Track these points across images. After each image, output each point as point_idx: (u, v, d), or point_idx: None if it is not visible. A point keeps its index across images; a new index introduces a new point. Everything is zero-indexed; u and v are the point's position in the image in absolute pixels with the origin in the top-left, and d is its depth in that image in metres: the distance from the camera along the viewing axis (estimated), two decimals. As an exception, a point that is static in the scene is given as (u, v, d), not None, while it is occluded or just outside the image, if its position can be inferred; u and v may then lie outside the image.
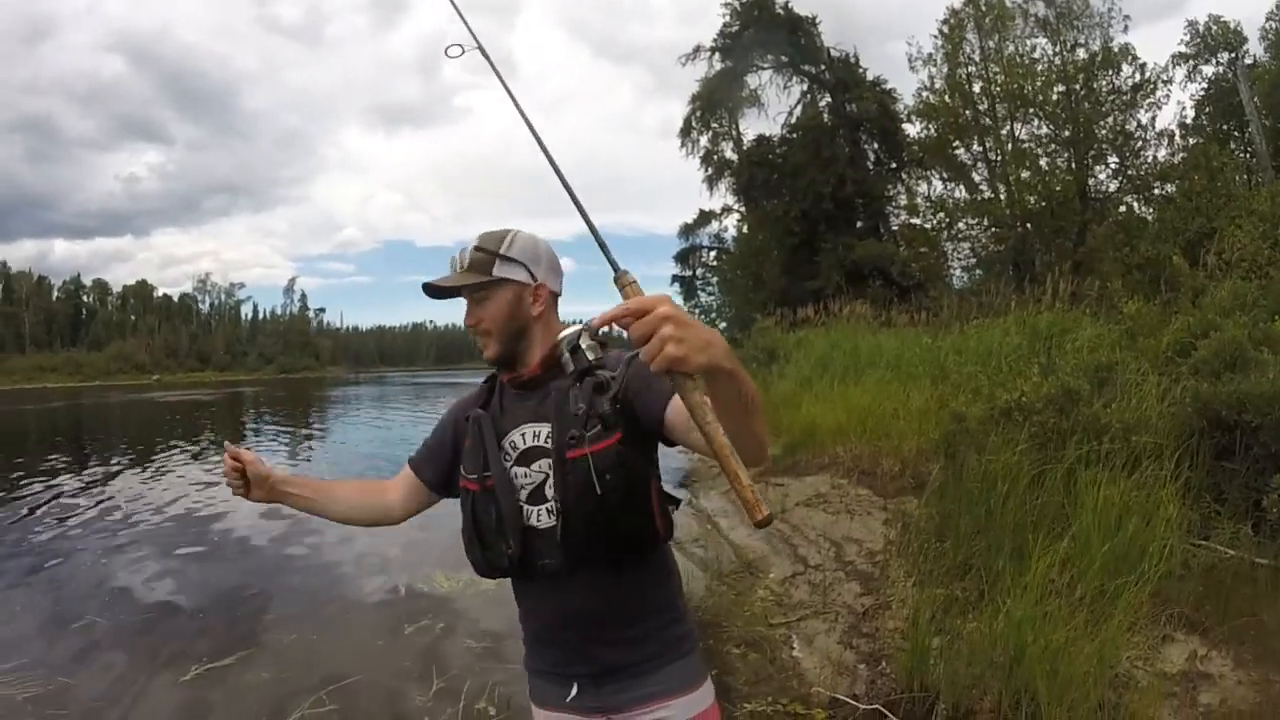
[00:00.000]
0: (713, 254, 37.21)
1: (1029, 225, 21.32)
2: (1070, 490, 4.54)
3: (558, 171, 1.49)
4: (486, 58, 1.74)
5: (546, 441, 1.69)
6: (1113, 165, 20.76)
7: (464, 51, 1.71)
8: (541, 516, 1.69)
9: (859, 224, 27.79)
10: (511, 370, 1.78)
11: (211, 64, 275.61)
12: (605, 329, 1.29)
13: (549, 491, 1.67)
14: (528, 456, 1.72)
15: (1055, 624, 3.28)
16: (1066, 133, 20.97)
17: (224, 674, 4.79)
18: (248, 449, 1.88)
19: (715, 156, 31.56)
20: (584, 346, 1.36)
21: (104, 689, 4.63)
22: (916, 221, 26.57)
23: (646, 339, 1.09)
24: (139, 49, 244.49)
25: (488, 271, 1.72)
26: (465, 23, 1.79)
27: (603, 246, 1.35)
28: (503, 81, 1.68)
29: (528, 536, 1.69)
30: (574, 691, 1.76)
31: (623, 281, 1.22)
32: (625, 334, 1.16)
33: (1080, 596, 3.52)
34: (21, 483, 12.62)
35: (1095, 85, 20.67)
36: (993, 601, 3.74)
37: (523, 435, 1.74)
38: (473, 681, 4.43)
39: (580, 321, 1.39)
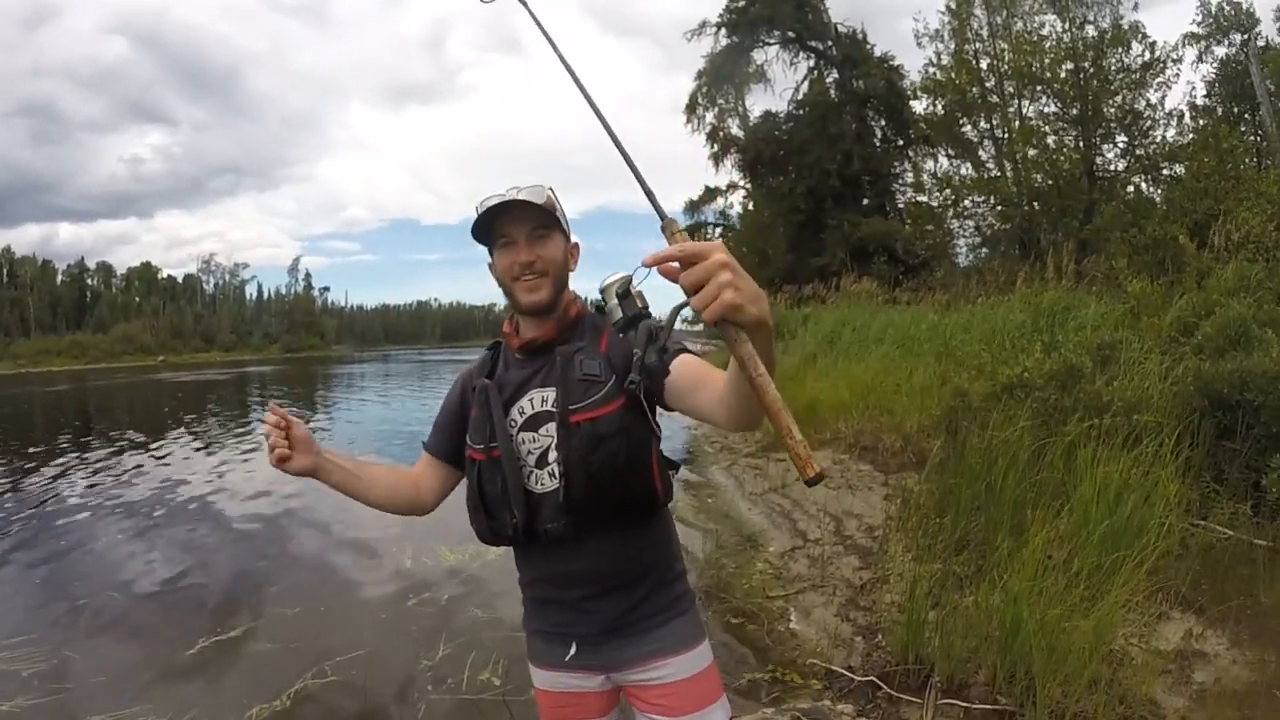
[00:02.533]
0: (718, 230, 37.15)
1: (1035, 204, 21.17)
2: (1070, 466, 4.55)
3: (603, 121, 1.44)
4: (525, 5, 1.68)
5: (553, 406, 1.69)
6: (1121, 145, 20.57)
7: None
8: (544, 480, 1.70)
9: (865, 201, 27.71)
10: (539, 324, 1.76)
11: (216, 45, 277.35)
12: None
13: (552, 455, 1.68)
14: (534, 421, 1.72)
15: (1051, 599, 3.30)
16: (1074, 111, 20.75)
17: (229, 646, 4.84)
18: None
19: (721, 133, 31.51)
20: (633, 292, 1.35)
21: (108, 663, 4.67)
22: (923, 199, 26.41)
23: (699, 286, 1.06)
24: (142, 31, 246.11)
25: (554, 211, 1.72)
26: None
27: (649, 194, 1.30)
28: (542, 29, 1.61)
29: (531, 501, 1.70)
30: (573, 650, 1.77)
31: (671, 229, 1.17)
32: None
33: (1077, 572, 3.53)
34: (29, 463, 12.69)
35: (1104, 63, 20.41)
36: (990, 576, 3.76)
37: (530, 401, 1.74)
38: (477, 652, 4.47)
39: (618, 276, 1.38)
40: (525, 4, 1.65)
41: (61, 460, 12.93)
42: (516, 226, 1.70)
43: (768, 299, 1.12)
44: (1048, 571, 3.50)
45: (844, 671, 3.76)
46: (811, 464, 1.00)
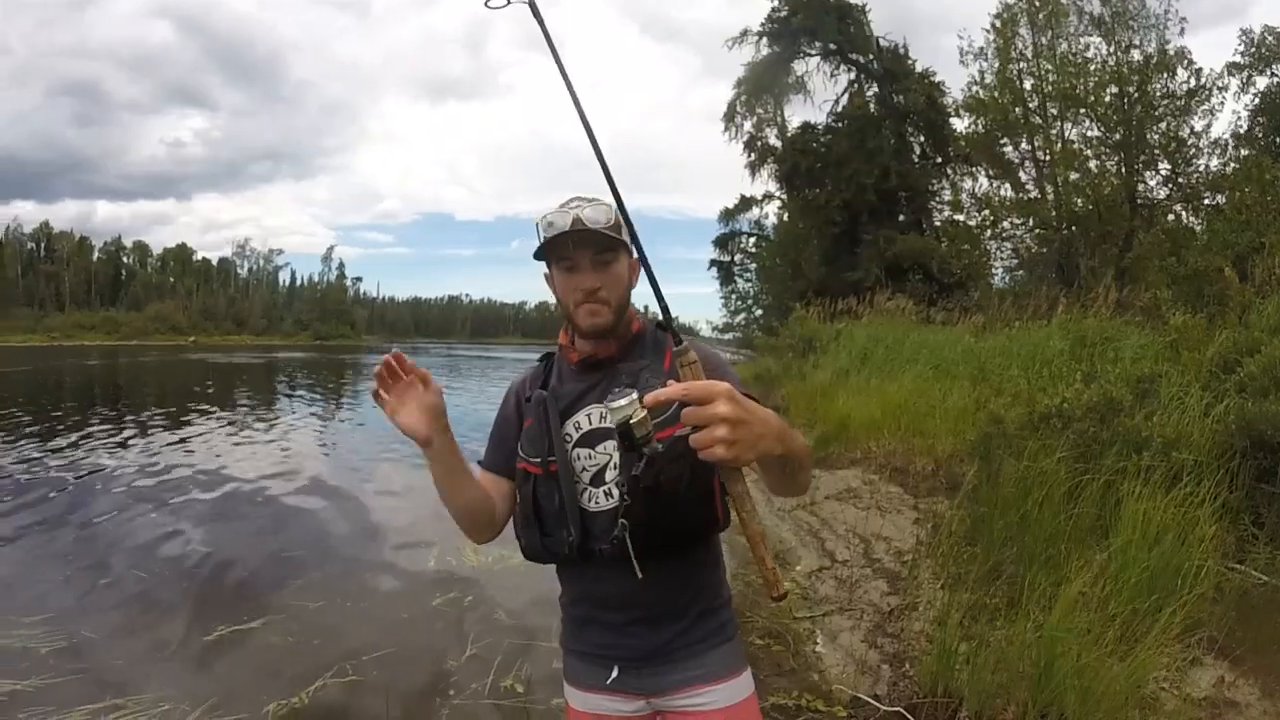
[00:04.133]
0: (752, 240, 37.14)
1: (1075, 228, 20.95)
2: (1106, 503, 4.50)
3: (595, 147, 1.43)
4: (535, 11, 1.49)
5: (603, 421, 1.65)
6: (1164, 172, 20.35)
7: (509, 2, 1.50)
8: (599, 499, 1.64)
9: (901, 217, 27.59)
10: (602, 345, 1.72)
11: (259, 32, 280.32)
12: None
13: (609, 474, 1.63)
14: (591, 438, 1.67)
15: (1087, 640, 3.26)
16: (1117, 136, 20.56)
17: (249, 637, 4.85)
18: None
19: (759, 142, 31.48)
20: (633, 422, 1.31)
21: (126, 645, 4.72)
22: (960, 218, 26.22)
23: (698, 427, 1.11)
24: (187, 16, 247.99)
25: (619, 233, 1.66)
26: None
27: (661, 301, 1.42)
28: (548, 39, 1.49)
29: (585, 520, 1.63)
30: (615, 674, 1.73)
31: (684, 360, 1.23)
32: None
33: (1113, 614, 3.49)
34: (58, 438, 12.82)
35: (1149, 88, 20.22)
36: (1023, 610, 3.72)
37: (588, 416, 1.69)
38: (499, 657, 4.46)
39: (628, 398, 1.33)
40: (534, 9, 1.48)
41: (91, 435, 13.06)
42: (580, 252, 1.65)
43: (775, 427, 1.22)
44: (1083, 610, 3.45)
45: (870, 700, 3.72)
46: (779, 585, 1.25)
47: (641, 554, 1.60)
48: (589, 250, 1.65)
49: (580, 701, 1.82)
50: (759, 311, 34.88)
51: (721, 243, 37.52)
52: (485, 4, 1.51)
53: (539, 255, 1.71)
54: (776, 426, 1.20)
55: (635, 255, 1.70)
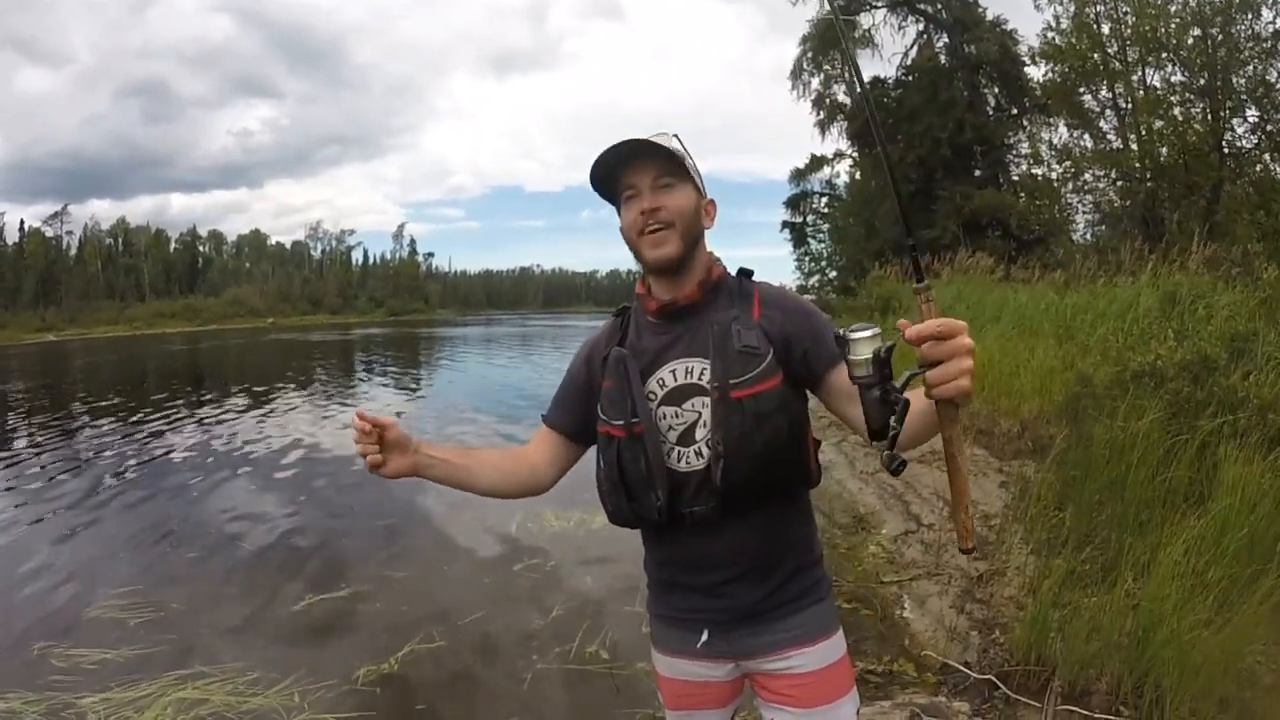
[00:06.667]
0: (824, 200, 36.54)
1: (1159, 180, 20.14)
2: (1202, 466, 4.35)
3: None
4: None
5: (701, 378, 1.58)
6: (1251, 119, 19.40)
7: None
8: (690, 459, 1.59)
9: (978, 172, 26.76)
10: (672, 285, 1.66)
11: (319, 18, 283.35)
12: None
13: (699, 433, 1.58)
14: (678, 395, 1.61)
15: (1184, 609, 3.16)
16: (1202, 81, 19.65)
17: (335, 606, 5.01)
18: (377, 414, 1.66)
19: (827, 100, 30.73)
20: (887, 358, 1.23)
21: (213, 617, 4.88)
22: (1039, 172, 25.39)
23: (940, 362, 1.09)
24: (245, 8, 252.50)
25: (683, 161, 1.61)
26: None
27: (909, 233, 1.38)
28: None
29: (674, 481, 1.58)
30: (705, 637, 1.68)
31: (926, 297, 1.18)
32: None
33: (1213, 582, 3.37)
34: (147, 419, 13.37)
35: (1233, 30, 19.27)
36: (1120, 577, 3.63)
37: (673, 372, 1.62)
38: (584, 622, 4.53)
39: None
40: None
41: (178, 414, 13.62)
42: (640, 175, 1.60)
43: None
44: (1179, 577, 3.34)
45: (961, 668, 3.68)
46: (970, 538, 1.17)
47: (734, 513, 1.57)
48: (649, 174, 1.61)
49: (667, 667, 1.80)
50: (833, 273, 34.34)
51: (793, 204, 36.89)
52: None
53: (604, 192, 1.69)
54: None
55: (707, 198, 1.69)
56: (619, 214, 1.69)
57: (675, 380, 1.62)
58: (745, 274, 1.72)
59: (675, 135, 1.64)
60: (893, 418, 1.22)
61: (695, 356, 1.60)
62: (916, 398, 1.20)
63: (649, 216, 1.59)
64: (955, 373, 1.07)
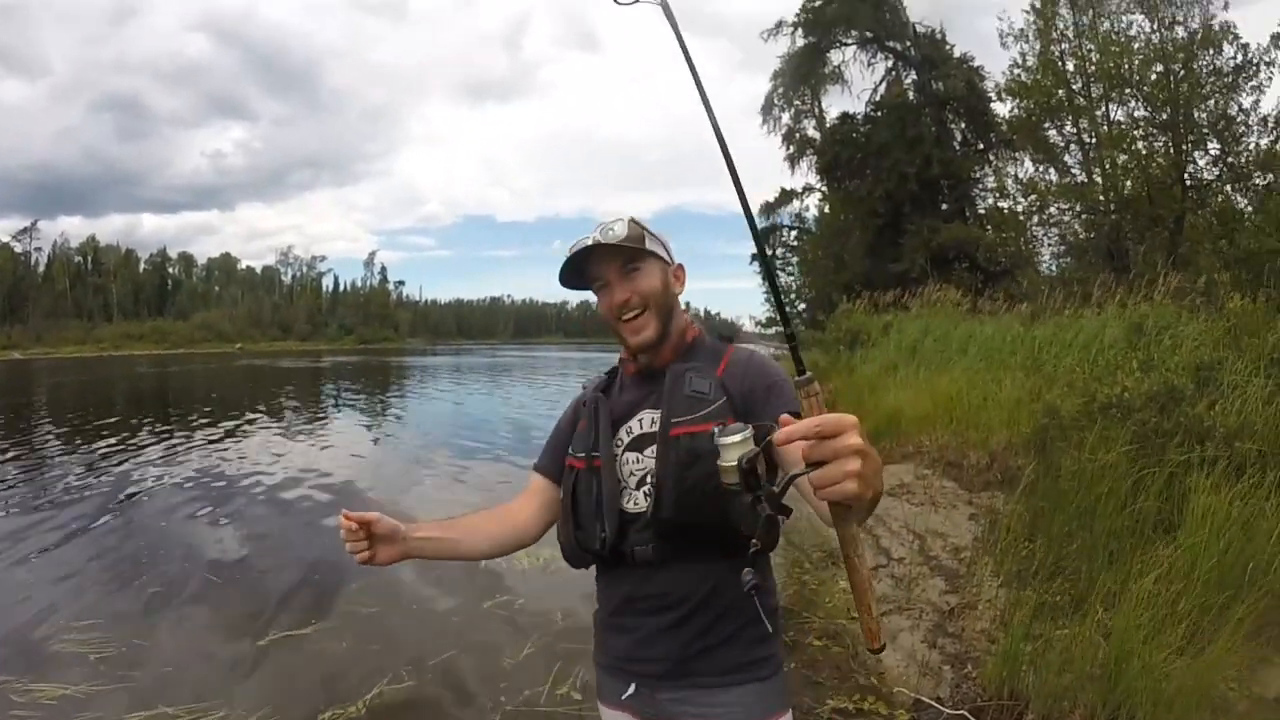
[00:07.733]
0: (793, 234, 36.85)
1: (1124, 212, 20.47)
2: (1170, 496, 4.38)
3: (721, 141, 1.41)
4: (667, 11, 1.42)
5: (653, 425, 1.63)
6: (1213, 151, 19.80)
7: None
8: (638, 500, 1.62)
9: (945, 206, 27.09)
10: (652, 354, 1.70)
11: (296, 41, 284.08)
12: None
13: (651, 477, 1.60)
14: (641, 442, 1.65)
15: (1156, 639, 3.17)
16: (1164, 115, 20.06)
17: (302, 643, 4.89)
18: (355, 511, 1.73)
19: (797, 134, 31.17)
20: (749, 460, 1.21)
21: (177, 652, 4.75)
22: (1005, 205, 25.74)
23: (823, 462, 1.01)
24: (224, 28, 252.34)
25: (641, 243, 1.65)
26: None
27: (786, 324, 1.33)
28: (678, 34, 1.42)
29: (623, 520, 1.61)
30: (630, 690, 1.67)
31: (808, 392, 1.10)
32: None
33: (1182, 612, 3.38)
34: (108, 444, 13.10)
35: (1195, 65, 19.68)
36: (1090, 608, 3.63)
37: (639, 421, 1.68)
38: (552, 662, 4.45)
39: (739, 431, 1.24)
40: (666, 9, 1.41)
41: (142, 440, 13.36)
42: (605, 266, 1.67)
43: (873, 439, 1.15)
44: (1152, 609, 3.35)
45: (933, 704, 3.66)
46: (878, 637, 1.11)
47: (676, 558, 1.58)
48: (614, 263, 1.67)
49: (608, 718, 1.77)
50: (802, 305, 34.55)
51: (763, 236, 37.12)
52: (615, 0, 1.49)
53: (577, 285, 1.74)
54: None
55: (675, 264, 1.73)
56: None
57: (640, 428, 1.68)
58: (725, 338, 1.78)
59: (633, 219, 1.67)
60: (759, 528, 1.21)
61: (658, 407, 1.64)
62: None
63: (623, 306, 1.67)
64: (838, 475, 1.00)
